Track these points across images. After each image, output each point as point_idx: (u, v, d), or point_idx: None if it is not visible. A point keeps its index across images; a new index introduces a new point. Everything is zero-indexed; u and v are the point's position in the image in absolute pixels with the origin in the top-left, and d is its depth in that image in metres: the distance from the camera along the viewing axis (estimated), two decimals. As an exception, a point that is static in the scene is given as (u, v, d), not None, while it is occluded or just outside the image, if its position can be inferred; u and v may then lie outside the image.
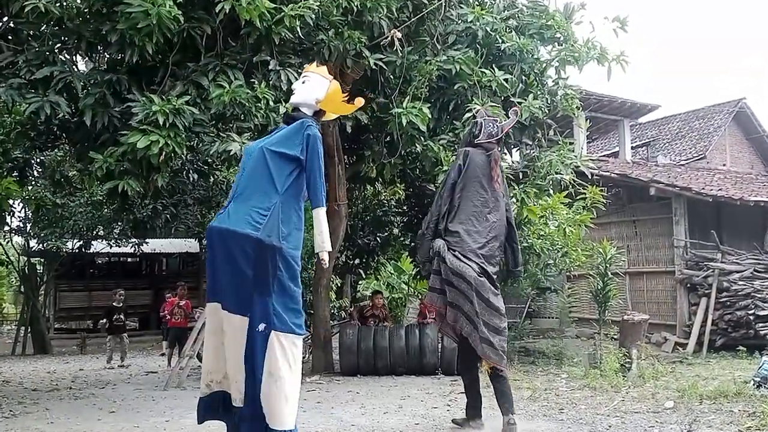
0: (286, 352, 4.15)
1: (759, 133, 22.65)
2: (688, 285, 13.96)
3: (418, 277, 13.76)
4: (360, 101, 4.96)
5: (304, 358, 7.57)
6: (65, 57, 7.47)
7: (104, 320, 13.43)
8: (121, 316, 13.42)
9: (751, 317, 12.55)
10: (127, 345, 13.35)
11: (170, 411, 7.59)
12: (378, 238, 12.73)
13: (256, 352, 4.08)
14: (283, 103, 7.35)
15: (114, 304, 13.57)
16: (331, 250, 4.54)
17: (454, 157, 6.57)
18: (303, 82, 4.73)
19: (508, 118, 6.61)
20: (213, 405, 4.39)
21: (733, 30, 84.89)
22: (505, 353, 6.04)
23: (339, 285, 15.41)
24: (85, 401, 8.51)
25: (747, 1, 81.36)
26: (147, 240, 19.15)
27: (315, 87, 4.70)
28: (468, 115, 8.02)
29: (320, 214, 4.44)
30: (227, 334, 4.20)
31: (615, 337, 11.02)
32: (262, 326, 4.08)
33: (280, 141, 4.42)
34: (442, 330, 6.57)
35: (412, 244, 13.21)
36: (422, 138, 8.48)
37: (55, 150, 10.63)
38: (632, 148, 20.93)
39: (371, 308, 11.53)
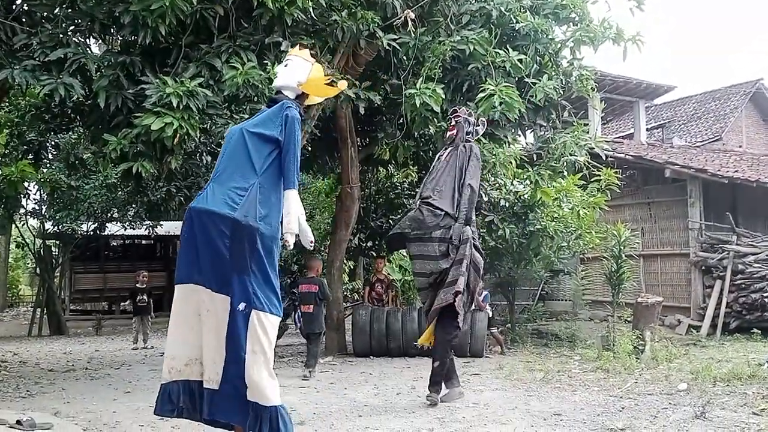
0: (267, 331, 4.15)
1: (776, 115, 22.45)
2: (703, 267, 13.89)
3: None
4: (343, 84, 4.99)
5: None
6: (79, 39, 7.42)
7: (128, 301, 13.42)
8: (145, 297, 13.39)
9: (766, 300, 12.47)
10: (149, 326, 13.34)
11: (185, 391, 7.61)
12: (391, 221, 12.69)
13: (239, 331, 4.07)
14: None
15: (137, 285, 13.60)
16: (297, 232, 4.41)
17: (476, 151, 6.85)
18: (285, 65, 4.72)
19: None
20: (171, 398, 4.31)
21: (751, 7, 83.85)
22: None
23: (352, 267, 15.43)
24: (101, 381, 8.59)
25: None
26: (161, 222, 19.12)
27: (297, 70, 4.68)
28: (482, 95, 7.97)
29: (290, 196, 4.34)
30: (210, 314, 4.18)
31: (628, 319, 10.98)
32: (242, 305, 4.08)
33: (260, 122, 4.43)
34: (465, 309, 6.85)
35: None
36: (435, 120, 8.41)
37: (70, 132, 10.61)
38: (647, 129, 20.77)
39: (375, 273, 11.56)
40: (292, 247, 4.38)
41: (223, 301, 4.12)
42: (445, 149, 6.93)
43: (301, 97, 4.72)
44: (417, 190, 12.96)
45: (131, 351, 12.41)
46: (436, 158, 7.03)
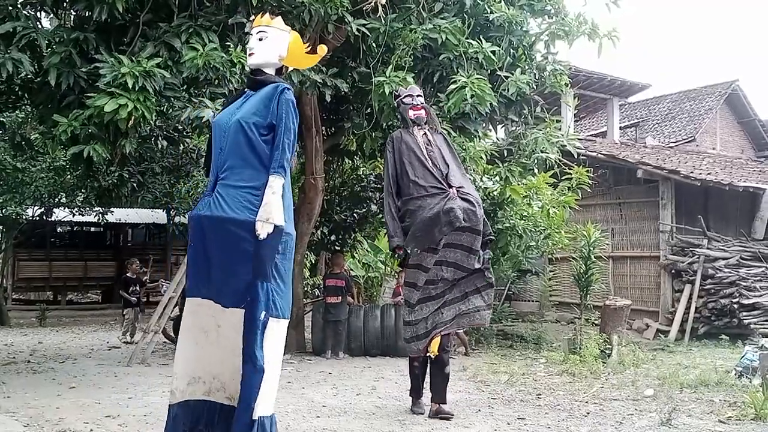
0: (279, 338, 3.97)
1: (751, 117, 22.51)
2: (673, 271, 13.83)
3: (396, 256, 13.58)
4: (323, 48, 4.54)
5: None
6: (29, 12, 7.11)
7: (121, 292, 12.89)
8: (137, 288, 12.87)
9: (735, 306, 12.44)
10: (132, 320, 12.61)
11: (134, 387, 7.37)
12: (355, 215, 12.47)
13: (257, 342, 3.81)
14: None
15: (128, 275, 13.08)
16: (276, 224, 3.90)
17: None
18: (260, 39, 4.26)
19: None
20: (176, 421, 4.04)
21: (729, 7, 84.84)
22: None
23: (313, 262, 15.11)
24: (44, 376, 8.27)
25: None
26: (112, 209, 18.59)
27: (276, 43, 4.28)
28: (453, 86, 7.76)
29: (274, 183, 3.90)
30: (222, 330, 3.91)
31: (596, 322, 10.96)
32: (263, 315, 3.83)
33: (256, 110, 4.05)
34: None
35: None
36: (404, 111, 8.22)
37: (17, 111, 10.25)
38: (621, 128, 20.76)
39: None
40: (261, 236, 3.87)
41: (233, 315, 3.86)
42: (415, 130, 6.17)
43: (281, 70, 4.39)
44: (383, 183, 12.85)
45: (105, 346, 11.85)
46: (406, 138, 6.12)
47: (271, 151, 3.98)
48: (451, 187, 5.88)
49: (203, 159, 4.64)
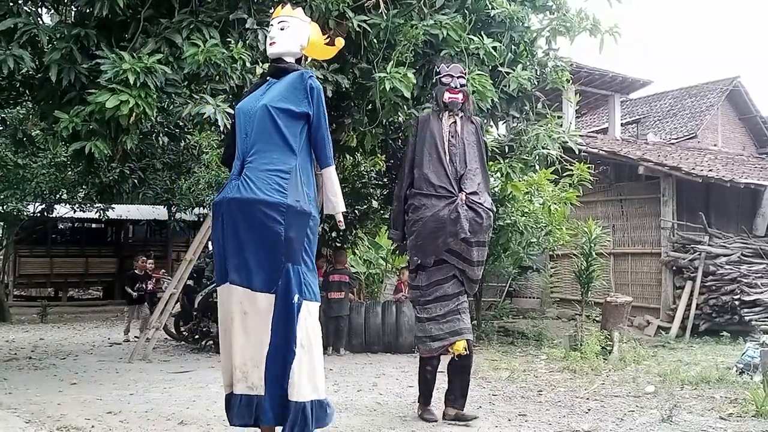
0: (314, 321, 3.98)
1: (752, 113, 22.49)
2: (674, 267, 13.82)
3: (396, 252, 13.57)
4: (341, 41, 4.59)
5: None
6: (30, 8, 7.07)
7: (128, 289, 12.82)
8: (143, 285, 12.75)
9: (737, 302, 12.43)
10: (136, 316, 12.60)
11: (135, 384, 7.39)
12: (356, 211, 12.44)
13: (291, 326, 3.85)
14: (260, 64, 7.05)
15: (136, 271, 12.99)
16: (345, 210, 4.32)
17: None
18: (282, 29, 4.29)
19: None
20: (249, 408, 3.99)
21: (730, 3, 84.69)
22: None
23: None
24: (46, 372, 8.28)
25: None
26: (113, 205, 18.50)
27: (297, 33, 4.32)
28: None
29: (332, 174, 4.20)
30: (249, 316, 3.91)
31: (597, 319, 10.94)
32: (296, 297, 3.85)
33: (284, 97, 4.08)
34: None
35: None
36: (405, 106, 8.20)
37: (18, 107, 10.22)
38: (622, 125, 20.73)
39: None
40: (343, 225, 4.33)
41: (265, 299, 3.87)
42: (445, 116, 5.72)
43: (300, 60, 4.40)
44: (384, 179, 12.85)
45: (106, 343, 11.85)
46: (432, 125, 5.71)
47: (315, 143, 4.13)
48: (461, 191, 5.50)
49: (223, 147, 4.65)
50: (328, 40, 4.57)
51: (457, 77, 5.74)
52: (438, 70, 5.89)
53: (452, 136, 5.63)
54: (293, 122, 4.05)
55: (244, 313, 3.91)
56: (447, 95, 5.66)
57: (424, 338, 5.69)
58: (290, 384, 3.84)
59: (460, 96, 5.68)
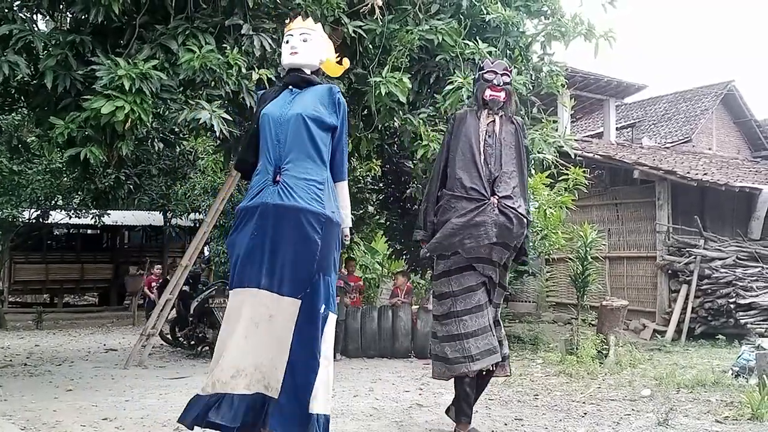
0: (333, 334, 4.03)
1: (747, 117, 22.53)
2: (670, 271, 13.82)
3: (393, 257, 13.61)
4: (347, 62, 4.64)
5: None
6: (25, 15, 7.05)
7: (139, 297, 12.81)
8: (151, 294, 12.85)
9: (732, 306, 12.44)
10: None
11: (131, 390, 7.37)
12: (352, 216, 12.48)
13: (316, 337, 3.87)
14: (256, 70, 7.07)
15: (158, 278, 13.10)
16: (351, 226, 4.42)
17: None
18: (304, 40, 4.31)
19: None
20: (252, 407, 3.92)
21: (725, 8, 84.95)
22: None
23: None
24: (41, 378, 8.26)
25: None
26: (108, 211, 18.47)
27: (319, 47, 4.37)
28: (449, 87, 7.75)
29: (345, 188, 4.28)
30: (273, 320, 3.91)
31: (593, 322, 10.94)
32: (323, 308, 3.89)
33: (317, 108, 4.12)
34: None
35: (387, 222, 12.97)
36: (401, 112, 8.22)
37: (13, 114, 10.22)
38: (617, 129, 20.76)
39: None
40: (349, 241, 4.44)
41: (291, 305, 3.88)
42: (484, 114, 5.37)
43: (316, 73, 4.42)
44: (380, 184, 12.85)
45: (102, 349, 11.78)
46: (469, 122, 5.37)
47: (333, 155, 4.18)
48: (494, 194, 5.16)
49: (242, 149, 4.65)
50: (338, 58, 4.60)
51: (501, 74, 5.38)
52: (482, 66, 5.55)
53: (489, 136, 5.29)
54: (324, 134, 4.10)
55: (270, 316, 3.91)
56: (488, 92, 5.32)
57: (461, 359, 5.14)
58: (313, 396, 3.84)
59: (502, 94, 5.34)
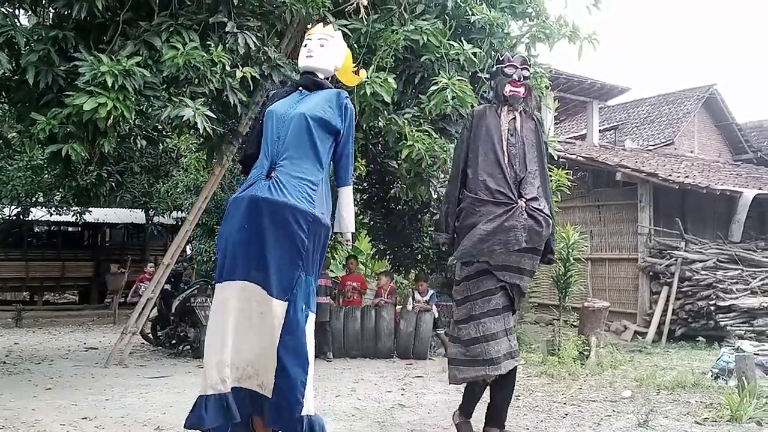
0: (312, 333, 3.97)
1: (728, 121, 22.63)
2: (651, 273, 13.91)
3: (376, 257, 13.58)
4: (363, 73, 4.67)
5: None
6: (7, 9, 7.02)
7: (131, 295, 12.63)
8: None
9: (712, 308, 12.54)
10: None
11: (111, 389, 7.32)
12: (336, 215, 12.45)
13: (303, 338, 3.84)
14: (240, 68, 7.05)
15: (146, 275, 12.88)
16: (354, 231, 4.40)
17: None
18: (321, 45, 4.33)
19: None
20: (245, 402, 3.90)
21: (707, 11, 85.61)
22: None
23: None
24: (20, 377, 8.18)
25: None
26: (90, 209, 18.34)
27: (336, 53, 4.39)
28: (434, 88, 7.75)
29: (349, 193, 4.28)
30: (263, 318, 3.86)
31: (574, 324, 10.97)
32: (304, 307, 3.87)
33: (322, 110, 4.10)
34: None
35: (371, 222, 12.95)
36: (386, 111, 8.19)
37: (-7, 109, 10.06)
38: (600, 131, 20.82)
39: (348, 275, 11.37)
40: (351, 244, 4.50)
41: (280, 307, 3.83)
42: (504, 111, 5.13)
43: (329, 79, 4.41)
44: (364, 184, 12.80)
45: (82, 347, 11.62)
46: (489, 120, 5.13)
47: (339, 160, 4.20)
48: (521, 197, 4.94)
49: (246, 145, 4.65)
50: (356, 68, 4.61)
51: (521, 68, 5.16)
52: (501, 59, 5.34)
53: (511, 135, 5.05)
54: (326, 136, 4.09)
55: (261, 313, 3.87)
56: (508, 88, 5.08)
57: (483, 361, 4.94)
58: (305, 398, 3.81)
59: (522, 90, 5.12)
